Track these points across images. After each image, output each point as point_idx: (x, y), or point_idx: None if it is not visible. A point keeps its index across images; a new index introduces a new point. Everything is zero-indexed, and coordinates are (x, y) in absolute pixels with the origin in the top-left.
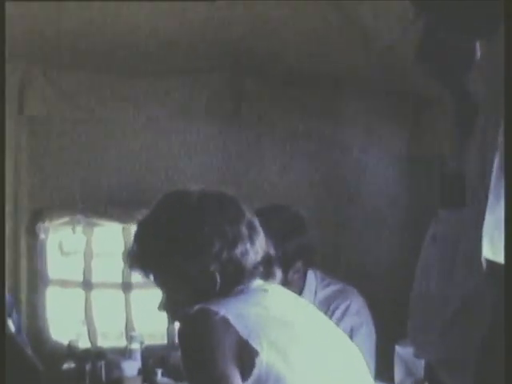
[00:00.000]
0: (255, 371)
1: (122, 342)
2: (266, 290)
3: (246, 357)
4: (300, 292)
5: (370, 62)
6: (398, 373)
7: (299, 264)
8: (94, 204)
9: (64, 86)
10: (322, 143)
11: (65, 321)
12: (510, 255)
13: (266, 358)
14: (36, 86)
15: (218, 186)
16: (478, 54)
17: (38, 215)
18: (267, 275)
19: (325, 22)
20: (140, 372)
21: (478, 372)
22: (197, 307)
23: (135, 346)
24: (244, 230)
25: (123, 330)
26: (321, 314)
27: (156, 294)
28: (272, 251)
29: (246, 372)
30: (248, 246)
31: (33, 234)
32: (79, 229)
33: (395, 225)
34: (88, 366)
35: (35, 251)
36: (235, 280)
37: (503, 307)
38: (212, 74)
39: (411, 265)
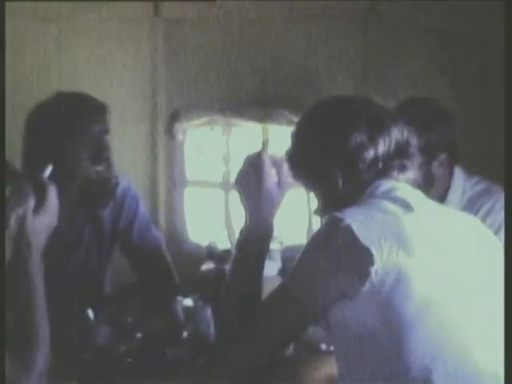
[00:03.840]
0: (369, 280)
1: None
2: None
3: (364, 264)
4: (446, 190)
5: None
6: None
7: (443, 156)
8: (232, 104)
9: None
10: None
11: (204, 222)
12: (511, 255)
13: (380, 267)
14: None
15: None
16: None
17: (176, 116)
18: (399, 168)
19: None
20: (280, 272)
21: None
22: (327, 215)
23: (275, 246)
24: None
25: None
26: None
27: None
28: (413, 141)
29: (362, 278)
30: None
31: (171, 135)
32: (218, 129)
33: None
34: (227, 267)
35: (173, 153)
36: (359, 183)
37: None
38: None
39: None
